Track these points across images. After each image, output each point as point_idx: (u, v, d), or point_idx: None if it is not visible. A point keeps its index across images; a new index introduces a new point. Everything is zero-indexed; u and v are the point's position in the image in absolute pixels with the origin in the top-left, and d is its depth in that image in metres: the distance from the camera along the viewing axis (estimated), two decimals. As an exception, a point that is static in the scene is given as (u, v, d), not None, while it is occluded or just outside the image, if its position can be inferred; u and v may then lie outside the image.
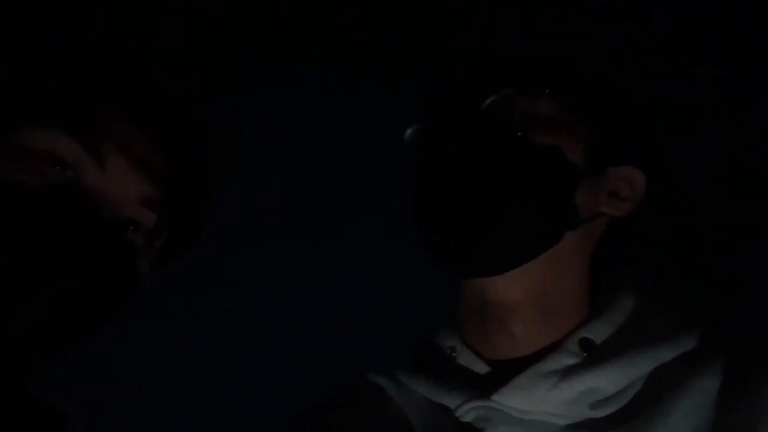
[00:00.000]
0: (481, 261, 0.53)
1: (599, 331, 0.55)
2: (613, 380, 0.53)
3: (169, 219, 0.55)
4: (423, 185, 0.57)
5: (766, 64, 0.86)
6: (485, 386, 0.54)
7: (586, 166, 0.55)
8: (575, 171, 0.54)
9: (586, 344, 0.55)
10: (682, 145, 0.71)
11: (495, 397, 0.53)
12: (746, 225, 0.85)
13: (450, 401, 0.56)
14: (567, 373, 0.53)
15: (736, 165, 0.88)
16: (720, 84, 0.89)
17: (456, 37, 0.93)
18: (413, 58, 0.96)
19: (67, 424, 0.56)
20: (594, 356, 0.54)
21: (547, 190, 0.53)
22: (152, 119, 0.54)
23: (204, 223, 0.60)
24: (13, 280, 0.46)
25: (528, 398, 0.53)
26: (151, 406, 1.03)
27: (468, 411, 0.54)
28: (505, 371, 0.55)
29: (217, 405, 1.09)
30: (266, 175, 1.04)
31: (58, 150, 0.50)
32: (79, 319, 0.51)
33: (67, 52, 0.56)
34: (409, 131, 0.57)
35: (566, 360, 0.54)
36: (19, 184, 0.48)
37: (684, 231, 0.87)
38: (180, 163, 0.55)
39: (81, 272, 0.49)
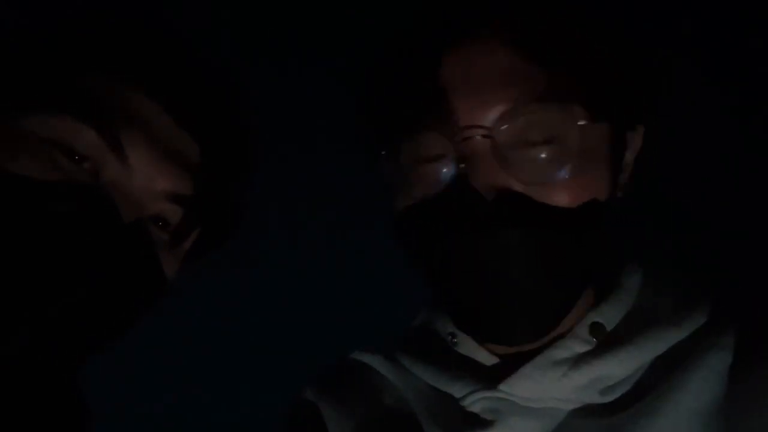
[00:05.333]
0: (528, 331, 0.51)
1: (609, 315, 0.54)
2: (624, 367, 0.51)
3: (200, 216, 0.50)
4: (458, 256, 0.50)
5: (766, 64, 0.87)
6: (491, 375, 0.53)
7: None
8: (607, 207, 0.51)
9: (596, 329, 0.53)
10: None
11: (502, 386, 0.52)
12: (756, 194, 0.84)
13: (455, 390, 0.54)
14: (577, 361, 0.51)
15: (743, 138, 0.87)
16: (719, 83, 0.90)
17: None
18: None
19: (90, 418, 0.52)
20: (604, 343, 0.52)
21: (590, 244, 0.51)
22: (181, 101, 0.48)
23: (240, 217, 0.55)
24: (23, 286, 0.41)
25: (536, 387, 0.51)
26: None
27: (475, 402, 0.53)
28: (510, 359, 0.53)
29: (211, 399, 1.09)
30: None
31: (73, 140, 0.44)
32: (98, 325, 0.47)
33: (79, 28, 0.49)
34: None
35: (577, 348, 0.52)
36: (26, 178, 0.42)
37: (689, 201, 0.86)
38: (215, 152, 0.50)
39: (98, 278, 0.44)
